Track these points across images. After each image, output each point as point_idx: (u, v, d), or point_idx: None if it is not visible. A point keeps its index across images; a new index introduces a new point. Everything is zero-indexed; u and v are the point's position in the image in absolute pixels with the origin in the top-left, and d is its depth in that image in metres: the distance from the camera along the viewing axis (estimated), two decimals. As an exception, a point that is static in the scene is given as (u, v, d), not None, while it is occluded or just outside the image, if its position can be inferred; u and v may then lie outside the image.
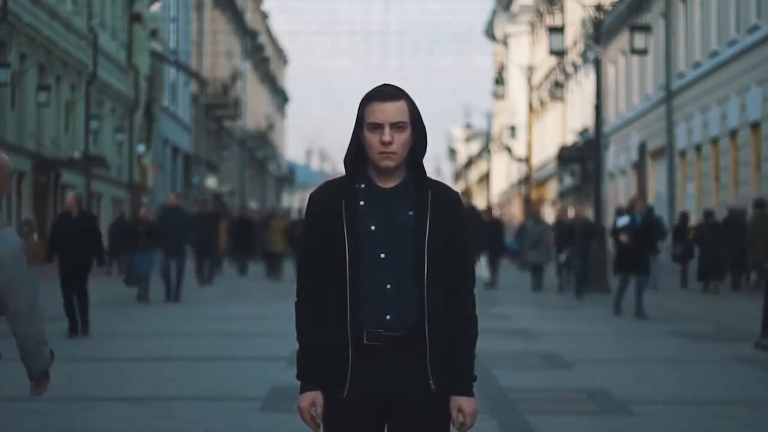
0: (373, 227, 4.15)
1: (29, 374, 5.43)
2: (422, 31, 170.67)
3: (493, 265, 29.35)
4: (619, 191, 45.11)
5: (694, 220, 31.08)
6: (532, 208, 48.81)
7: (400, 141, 4.14)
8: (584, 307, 22.73)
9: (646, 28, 31.45)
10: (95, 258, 17.10)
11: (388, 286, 4.13)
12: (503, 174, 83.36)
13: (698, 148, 34.57)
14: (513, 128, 68.55)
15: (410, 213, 4.17)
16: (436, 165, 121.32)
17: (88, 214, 18.15)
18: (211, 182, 61.12)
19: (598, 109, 29.60)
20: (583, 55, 50.19)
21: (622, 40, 40.81)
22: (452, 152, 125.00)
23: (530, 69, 60.88)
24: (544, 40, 53.39)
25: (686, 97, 35.47)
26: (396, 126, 4.13)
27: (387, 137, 4.12)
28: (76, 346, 15.27)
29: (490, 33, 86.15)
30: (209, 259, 30.45)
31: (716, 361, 13.98)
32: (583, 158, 49.06)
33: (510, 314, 20.39)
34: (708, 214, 27.19)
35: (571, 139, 53.47)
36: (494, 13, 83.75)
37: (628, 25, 35.72)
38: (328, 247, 4.17)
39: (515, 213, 67.99)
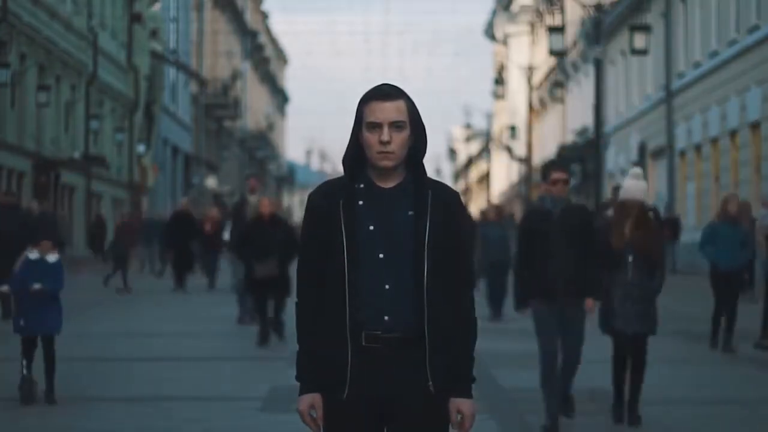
0: (371, 227, 4.11)
1: None
2: (422, 31, 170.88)
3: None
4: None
5: (693, 219, 31.02)
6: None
7: (398, 140, 4.11)
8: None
9: (646, 28, 31.47)
10: None
11: (387, 287, 4.09)
12: (503, 174, 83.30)
13: (698, 148, 34.55)
14: (513, 128, 68.48)
15: (410, 213, 4.13)
16: (436, 165, 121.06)
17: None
18: (211, 182, 61.10)
19: (598, 109, 29.63)
20: (583, 55, 50.18)
21: (622, 40, 40.77)
22: (452, 152, 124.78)
23: (530, 69, 60.81)
24: (544, 40, 53.30)
25: (686, 97, 35.45)
26: (395, 125, 4.10)
27: (385, 137, 4.09)
28: (77, 346, 15.23)
29: (490, 33, 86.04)
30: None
31: (716, 361, 13.98)
32: (583, 158, 49.05)
33: (510, 314, 20.33)
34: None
35: (571, 139, 53.48)
36: (494, 13, 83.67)
37: (628, 25, 35.73)
38: (327, 247, 4.14)
39: (516, 213, 67.88)
